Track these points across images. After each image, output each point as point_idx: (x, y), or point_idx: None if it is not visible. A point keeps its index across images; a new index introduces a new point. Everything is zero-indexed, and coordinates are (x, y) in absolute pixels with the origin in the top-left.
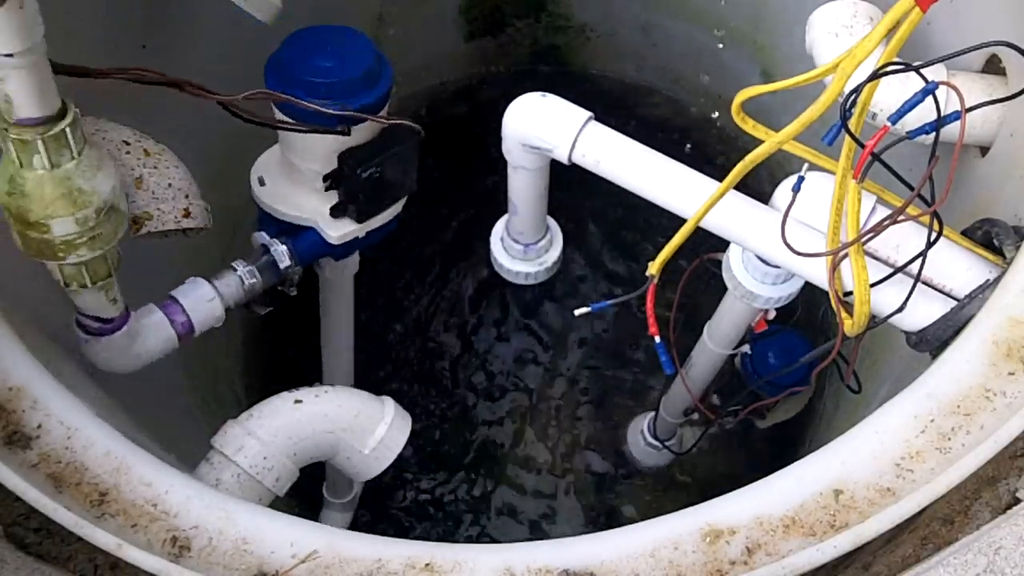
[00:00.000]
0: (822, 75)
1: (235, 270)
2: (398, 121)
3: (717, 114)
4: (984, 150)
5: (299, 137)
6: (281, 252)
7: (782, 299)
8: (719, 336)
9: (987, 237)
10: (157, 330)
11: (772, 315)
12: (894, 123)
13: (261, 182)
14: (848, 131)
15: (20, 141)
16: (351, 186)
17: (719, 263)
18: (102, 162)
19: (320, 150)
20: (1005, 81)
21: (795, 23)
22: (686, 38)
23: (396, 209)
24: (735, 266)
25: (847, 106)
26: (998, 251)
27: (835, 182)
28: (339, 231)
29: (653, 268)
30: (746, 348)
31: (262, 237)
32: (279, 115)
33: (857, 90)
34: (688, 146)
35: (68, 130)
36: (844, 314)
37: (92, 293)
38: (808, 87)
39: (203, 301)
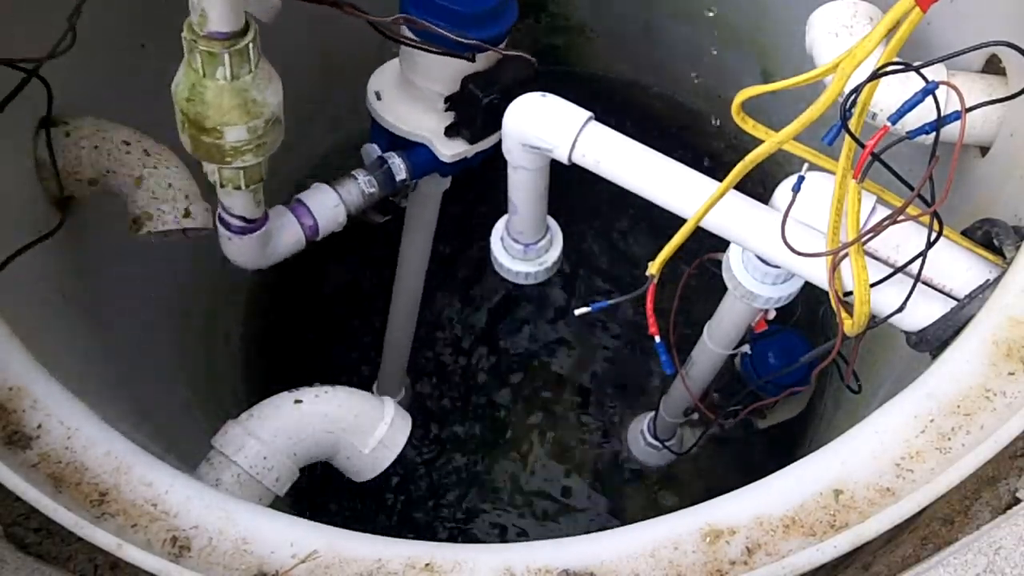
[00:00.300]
0: (822, 75)
1: (356, 179)
2: (517, 53)
3: (717, 114)
4: (984, 150)
5: (424, 59)
6: (398, 165)
7: (782, 299)
8: (719, 336)
9: (987, 237)
10: (288, 231)
11: (772, 315)
12: (894, 123)
13: (378, 96)
14: (848, 131)
15: (208, 53)
16: (470, 109)
17: (719, 263)
18: (272, 76)
19: (444, 73)
20: (1005, 81)
21: (795, 23)
22: (686, 38)
23: (498, 136)
24: (735, 266)
25: (847, 106)
26: (998, 251)
27: (835, 182)
28: (452, 150)
29: (653, 268)
30: (746, 348)
31: (374, 149)
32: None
33: (857, 90)
34: (687, 146)
35: (251, 45)
36: (844, 314)
37: (244, 195)
38: (808, 87)
39: (329, 207)
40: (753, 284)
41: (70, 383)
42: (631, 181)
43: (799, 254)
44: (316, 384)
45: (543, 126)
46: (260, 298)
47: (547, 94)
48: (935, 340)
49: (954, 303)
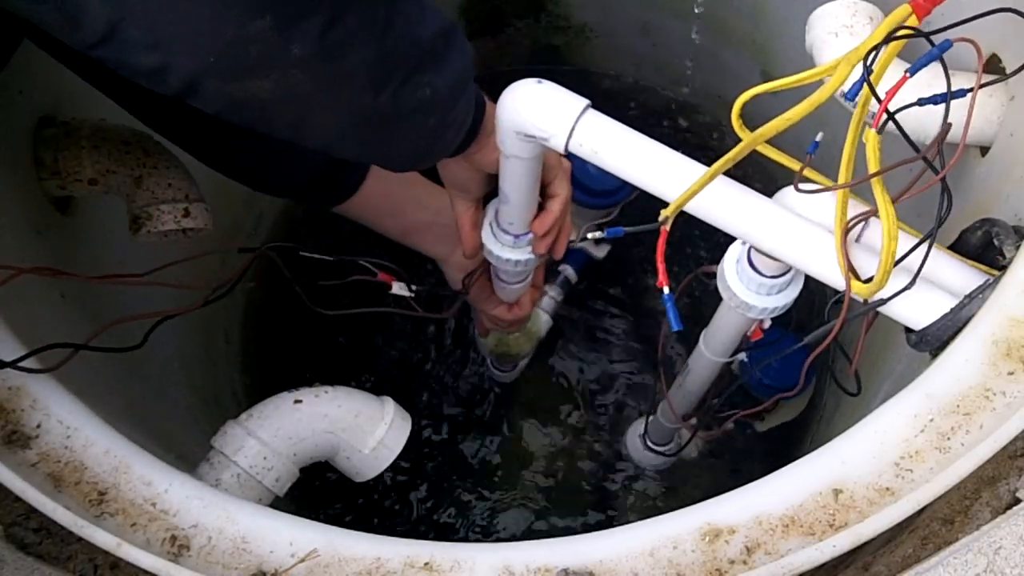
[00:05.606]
0: (822, 75)
1: (547, 293)
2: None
3: (717, 114)
4: (984, 150)
5: (575, 212)
6: (571, 274)
7: (777, 309)
8: (715, 345)
9: (987, 237)
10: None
11: (768, 324)
12: (912, 75)
13: None
14: (869, 84)
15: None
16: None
17: (714, 275)
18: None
19: (589, 217)
20: (1005, 81)
21: (795, 23)
22: (685, 38)
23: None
24: (730, 277)
25: (869, 63)
26: (998, 251)
27: (851, 122)
28: (602, 252)
29: (667, 212)
30: (743, 356)
31: None
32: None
33: (877, 48)
34: (688, 147)
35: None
36: (854, 279)
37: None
38: (808, 87)
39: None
40: (747, 295)
41: (69, 383)
42: (631, 171)
43: (807, 192)
44: (316, 384)
45: (539, 114)
46: (260, 297)
47: (543, 80)
48: (935, 340)
49: (954, 303)
